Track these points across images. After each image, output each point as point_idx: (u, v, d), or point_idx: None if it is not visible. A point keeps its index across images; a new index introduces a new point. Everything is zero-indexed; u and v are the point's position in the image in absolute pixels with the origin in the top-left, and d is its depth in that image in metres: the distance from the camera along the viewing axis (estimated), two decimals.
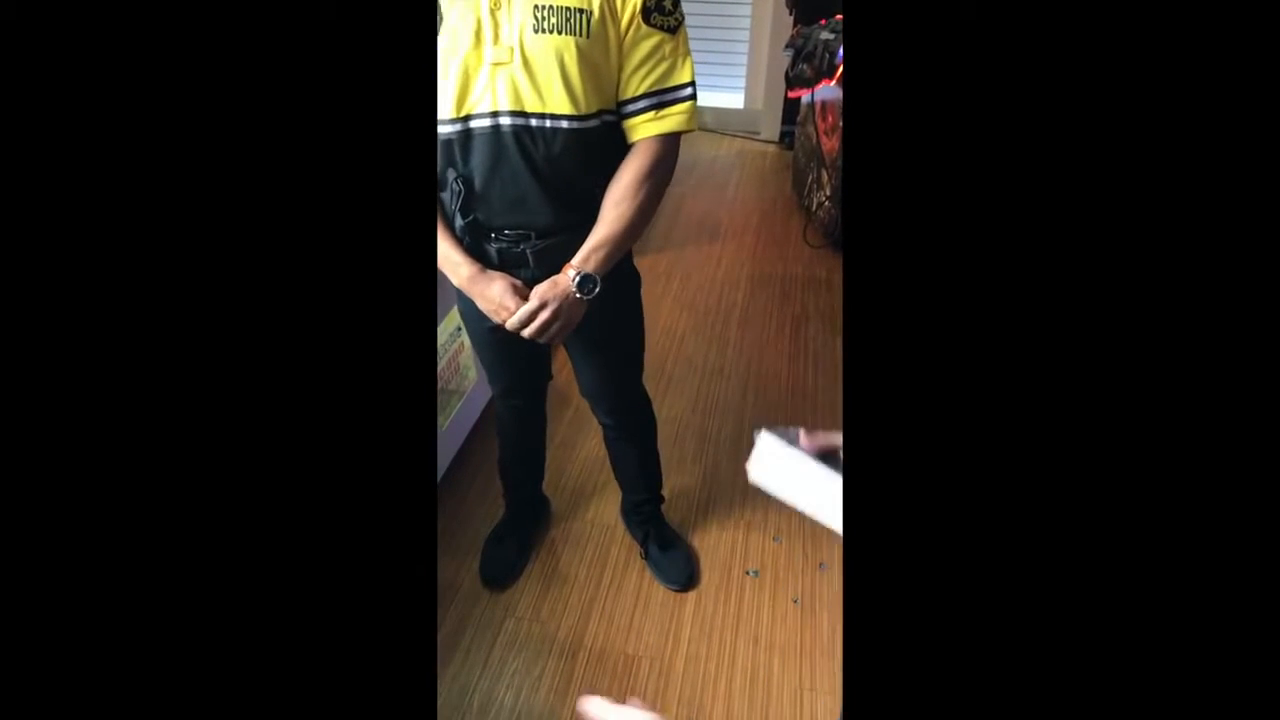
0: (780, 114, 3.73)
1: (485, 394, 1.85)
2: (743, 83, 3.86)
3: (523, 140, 1.01)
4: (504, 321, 1.10)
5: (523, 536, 1.64)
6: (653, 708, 0.39)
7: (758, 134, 3.88)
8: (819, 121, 2.80)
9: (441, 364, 1.66)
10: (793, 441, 0.60)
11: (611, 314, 1.15)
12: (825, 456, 0.58)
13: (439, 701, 1.35)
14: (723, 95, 3.90)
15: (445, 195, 1.08)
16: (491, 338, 1.25)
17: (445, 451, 1.74)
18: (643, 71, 1.02)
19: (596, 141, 1.04)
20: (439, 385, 1.66)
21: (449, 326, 1.66)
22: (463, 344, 1.73)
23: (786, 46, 2.98)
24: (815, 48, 2.74)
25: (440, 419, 1.69)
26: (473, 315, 1.21)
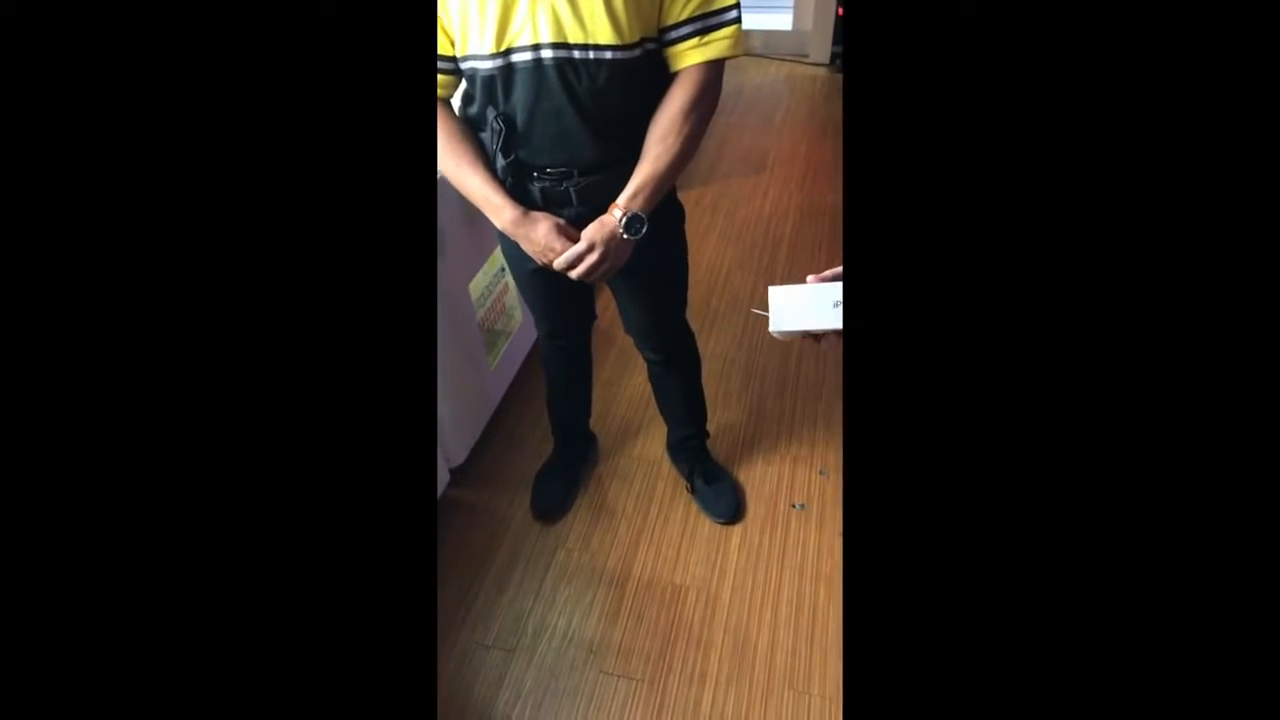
0: (831, 34, 3.55)
1: (532, 334, 1.87)
2: (790, 1, 3.67)
3: (565, 73, 0.98)
4: (551, 263, 1.10)
5: (571, 471, 1.68)
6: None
7: (807, 57, 3.71)
8: None
9: (487, 305, 1.68)
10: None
11: (655, 248, 1.14)
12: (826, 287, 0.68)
13: (495, 629, 1.42)
14: (769, 16, 3.73)
15: (485, 135, 1.07)
16: (535, 279, 1.25)
17: (494, 391, 1.78)
18: None
19: (640, 72, 1.01)
20: (485, 327, 1.68)
21: (493, 268, 1.67)
22: (507, 285, 1.74)
23: None
24: None
25: (489, 359, 1.72)
26: (516, 257, 1.21)
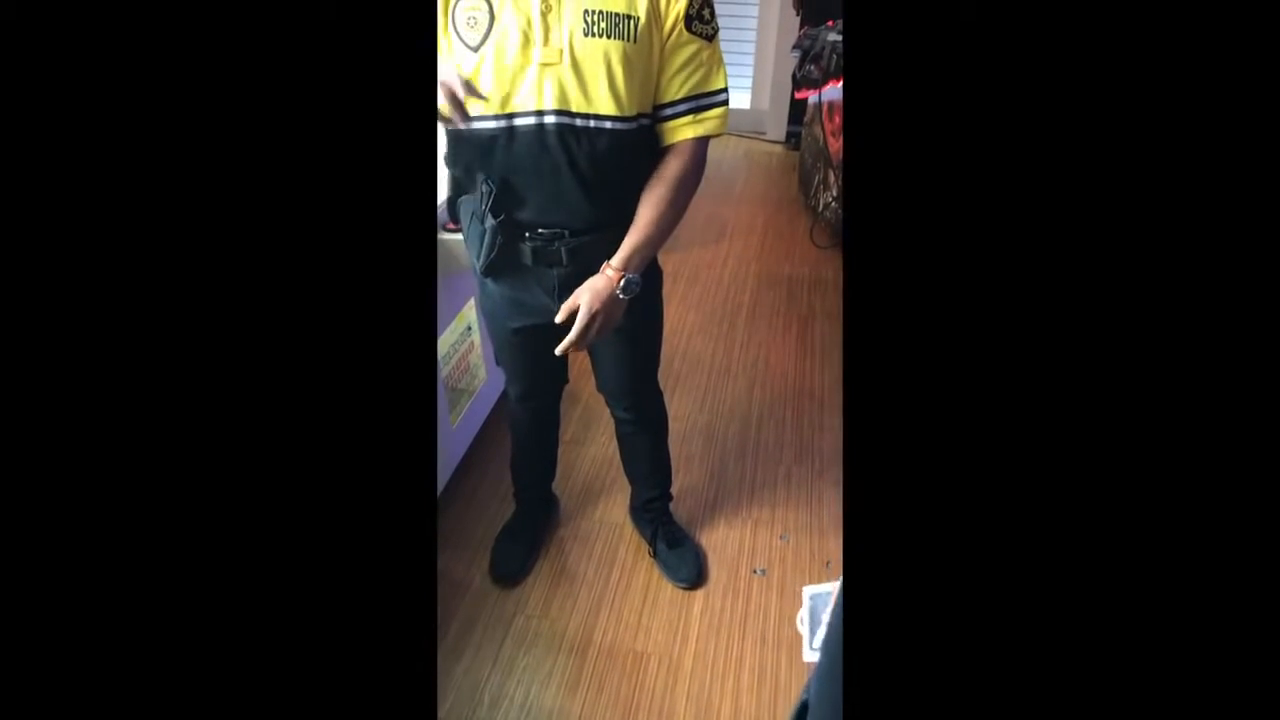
0: (787, 114, 3.74)
1: (494, 393, 1.86)
2: (750, 83, 3.87)
3: (566, 139, 1.03)
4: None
5: (532, 534, 1.65)
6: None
7: (764, 134, 3.89)
8: (825, 122, 2.81)
9: (451, 364, 1.68)
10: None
11: (637, 308, 1.17)
12: None
13: (450, 698, 1.36)
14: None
15: (471, 198, 1.10)
16: (515, 340, 1.26)
17: (455, 450, 1.75)
18: (682, 76, 1.06)
19: (635, 143, 1.07)
20: (449, 385, 1.67)
21: (460, 325, 1.67)
22: (473, 343, 1.74)
23: (794, 47, 2.99)
24: (822, 49, 2.74)
25: (451, 418, 1.70)
26: (497, 318, 1.23)
